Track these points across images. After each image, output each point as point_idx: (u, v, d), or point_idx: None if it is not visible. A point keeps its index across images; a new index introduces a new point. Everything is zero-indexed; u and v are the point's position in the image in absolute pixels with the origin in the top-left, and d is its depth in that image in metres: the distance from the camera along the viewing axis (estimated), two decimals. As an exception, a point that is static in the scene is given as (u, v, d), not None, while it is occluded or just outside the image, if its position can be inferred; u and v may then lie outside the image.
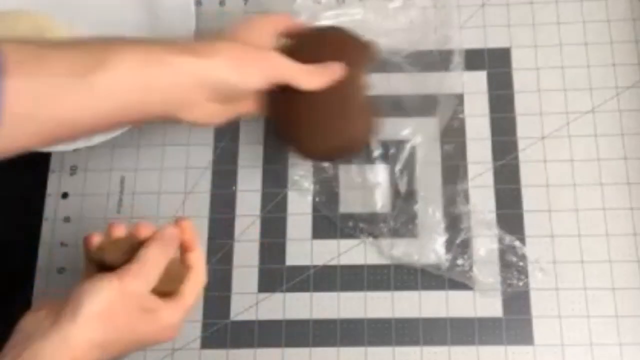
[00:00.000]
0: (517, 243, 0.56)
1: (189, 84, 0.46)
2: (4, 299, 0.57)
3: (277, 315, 0.57)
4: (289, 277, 0.58)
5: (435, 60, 0.62)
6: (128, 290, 0.42)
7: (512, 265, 0.56)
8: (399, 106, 0.61)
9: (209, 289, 0.58)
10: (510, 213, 0.58)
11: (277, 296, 0.57)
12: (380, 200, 0.59)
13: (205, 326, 0.57)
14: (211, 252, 0.59)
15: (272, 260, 0.58)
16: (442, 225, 0.57)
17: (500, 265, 0.56)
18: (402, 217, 0.58)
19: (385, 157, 0.60)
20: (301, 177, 0.60)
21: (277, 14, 0.56)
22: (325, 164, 0.60)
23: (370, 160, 0.60)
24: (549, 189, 0.58)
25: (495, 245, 0.57)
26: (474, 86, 0.61)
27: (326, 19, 0.60)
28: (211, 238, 0.59)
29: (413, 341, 0.55)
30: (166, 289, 0.45)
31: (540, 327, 0.55)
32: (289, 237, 0.59)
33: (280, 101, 0.52)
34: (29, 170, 0.61)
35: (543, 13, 0.64)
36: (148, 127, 0.62)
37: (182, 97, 0.46)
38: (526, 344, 0.55)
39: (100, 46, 0.43)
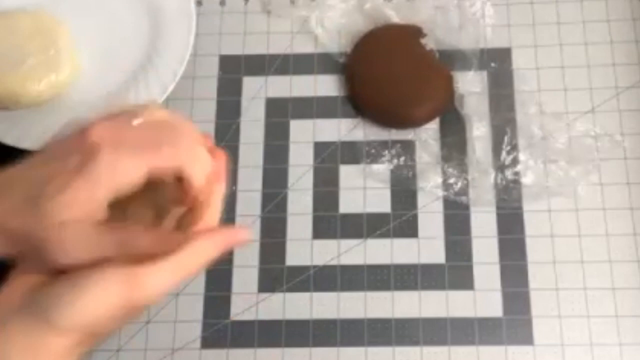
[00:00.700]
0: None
1: None
2: None
3: (277, 315, 0.57)
4: (289, 277, 0.58)
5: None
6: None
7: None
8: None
9: (209, 289, 0.58)
10: (510, 213, 0.58)
11: (277, 296, 0.57)
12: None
13: (205, 326, 0.57)
14: (211, 252, 0.59)
15: (272, 260, 0.58)
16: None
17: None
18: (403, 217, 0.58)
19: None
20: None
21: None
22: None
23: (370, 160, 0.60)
24: (549, 189, 0.58)
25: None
26: (474, 86, 0.62)
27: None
28: (211, 238, 0.59)
29: (413, 341, 0.55)
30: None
31: (540, 327, 0.55)
32: (289, 237, 0.59)
33: (368, 76, 0.61)
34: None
35: (543, 13, 0.64)
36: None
37: None
38: (526, 344, 0.55)
39: None
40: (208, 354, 0.56)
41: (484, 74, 0.62)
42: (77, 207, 0.33)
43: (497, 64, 0.62)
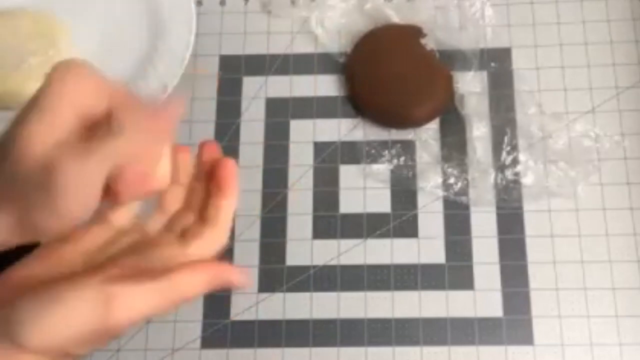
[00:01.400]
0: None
1: None
2: None
3: (277, 315, 0.57)
4: (289, 277, 0.58)
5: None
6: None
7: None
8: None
9: (209, 288, 0.58)
10: (510, 213, 0.58)
11: (277, 296, 0.57)
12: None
13: (205, 326, 0.57)
14: (211, 252, 0.59)
15: (272, 260, 0.58)
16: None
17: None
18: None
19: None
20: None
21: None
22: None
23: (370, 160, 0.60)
24: (549, 189, 0.58)
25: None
26: (474, 86, 0.62)
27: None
28: (211, 238, 0.59)
29: (413, 341, 0.55)
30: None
31: (540, 327, 0.55)
32: (289, 237, 0.59)
33: (368, 76, 0.61)
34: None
35: (543, 13, 0.64)
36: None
37: None
38: (526, 344, 0.55)
39: None
40: (208, 354, 0.56)
41: (484, 74, 0.62)
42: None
43: (497, 64, 0.62)
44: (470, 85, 0.61)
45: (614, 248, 0.57)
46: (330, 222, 0.59)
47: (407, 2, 0.65)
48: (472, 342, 0.55)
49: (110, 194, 0.32)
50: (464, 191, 0.59)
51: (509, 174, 0.59)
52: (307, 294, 0.57)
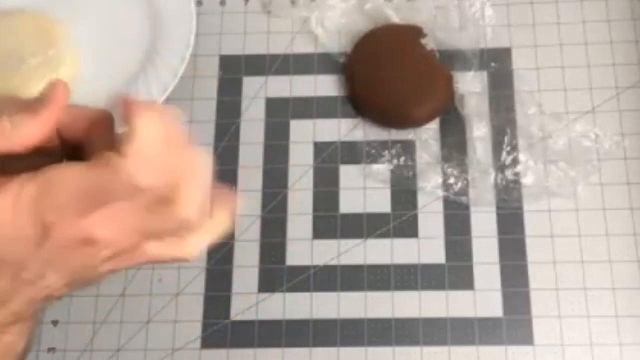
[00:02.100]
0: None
1: None
2: None
3: (277, 315, 0.57)
4: (289, 277, 0.58)
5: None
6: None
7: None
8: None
9: (209, 289, 0.58)
10: (510, 213, 0.58)
11: (277, 296, 0.57)
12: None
13: (205, 326, 0.57)
14: (211, 252, 0.59)
15: (272, 260, 0.58)
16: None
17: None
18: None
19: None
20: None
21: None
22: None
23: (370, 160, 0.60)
24: (549, 189, 0.58)
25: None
26: (474, 86, 0.62)
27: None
28: (211, 238, 0.59)
29: (413, 341, 0.55)
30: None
31: (540, 327, 0.55)
32: (289, 237, 0.59)
33: (368, 76, 0.61)
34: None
35: (543, 13, 0.64)
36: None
37: None
38: (526, 344, 0.55)
39: None
40: (208, 354, 0.56)
41: (484, 74, 0.62)
42: None
43: (497, 64, 0.62)
44: (470, 85, 0.61)
45: (614, 248, 0.57)
46: (330, 222, 0.59)
47: (407, 2, 0.65)
48: (472, 342, 0.55)
49: None
50: (464, 191, 0.59)
51: (509, 174, 0.59)
52: (307, 294, 0.57)
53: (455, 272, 0.57)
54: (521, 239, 0.57)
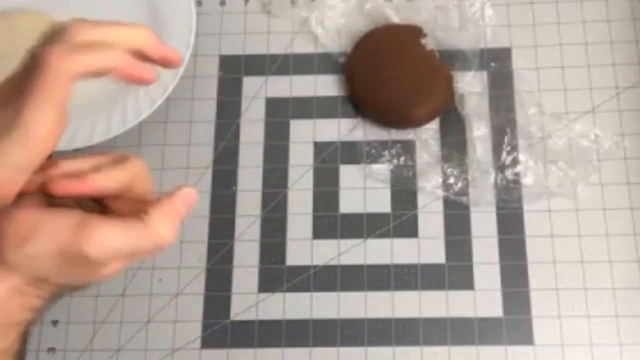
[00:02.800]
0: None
1: None
2: None
3: (277, 315, 0.57)
4: (289, 277, 0.58)
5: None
6: (86, 258, 0.32)
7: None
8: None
9: (209, 289, 0.58)
10: (510, 213, 0.58)
11: (277, 296, 0.57)
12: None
13: (205, 326, 0.57)
14: (211, 252, 0.59)
15: (272, 260, 0.58)
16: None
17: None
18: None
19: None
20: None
21: None
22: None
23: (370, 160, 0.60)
24: (549, 189, 0.58)
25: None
26: (474, 86, 0.61)
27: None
28: (211, 238, 0.59)
29: (413, 341, 0.55)
30: None
31: (540, 327, 0.55)
32: (289, 237, 0.59)
33: (368, 76, 0.61)
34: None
35: (543, 13, 0.64)
36: (148, 126, 0.62)
37: None
38: (526, 344, 0.55)
39: None
40: (208, 354, 0.56)
41: (484, 74, 0.62)
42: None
43: (497, 64, 0.62)
44: (470, 85, 0.61)
45: (614, 248, 0.57)
46: (330, 222, 0.59)
47: (407, 2, 0.65)
48: (472, 342, 0.55)
49: None
50: (464, 191, 0.59)
51: (509, 174, 0.59)
52: (307, 294, 0.57)
53: (455, 272, 0.57)
54: (521, 239, 0.57)
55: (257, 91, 0.64)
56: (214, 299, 0.58)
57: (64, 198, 0.34)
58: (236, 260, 0.59)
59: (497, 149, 0.60)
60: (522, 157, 0.59)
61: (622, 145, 0.59)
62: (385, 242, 0.58)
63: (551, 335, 0.55)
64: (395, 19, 0.64)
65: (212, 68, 0.65)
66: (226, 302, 0.57)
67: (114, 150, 0.36)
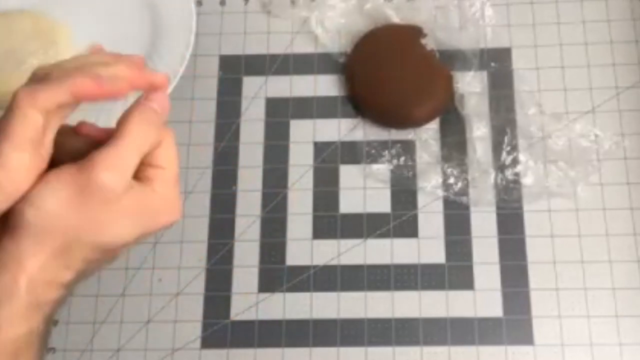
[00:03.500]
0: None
1: None
2: None
3: (277, 315, 0.57)
4: (289, 277, 0.58)
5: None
6: (96, 185, 0.34)
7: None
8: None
9: (209, 289, 0.58)
10: (510, 213, 0.58)
11: (277, 296, 0.57)
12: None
13: (205, 326, 0.57)
14: (211, 252, 0.59)
15: (272, 260, 0.58)
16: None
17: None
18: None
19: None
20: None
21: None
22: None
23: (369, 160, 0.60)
24: (549, 189, 0.58)
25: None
26: (474, 86, 0.61)
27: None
28: (211, 238, 0.59)
29: (413, 341, 0.55)
30: None
31: (540, 327, 0.55)
32: (289, 237, 0.59)
33: (368, 76, 0.61)
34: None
35: (543, 13, 0.64)
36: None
37: None
38: (526, 344, 0.55)
39: None
40: (208, 354, 0.56)
41: (484, 74, 0.62)
42: None
43: (497, 64, 0.62)
44: (470, 85, 0.61)
45: (614, 248, 0.57)
46: (330, 222, 0.59)
47: (407, 2, 0.65)
48: (472, 342, 0.55)
49: None
50: (464, 191, 0.59)
51: (509, 174, 0.59)
52: (307, 294, 0.57)
53: (455, 272, 0.57)
54: (521, 239, 0.57)
55: (257, 91, 0.64)
56: (214, 299, 0.58)
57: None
58: (236, 260, 0.59)
59: (497, 149, 0.60)
60: (522, 157, 0.59)
61: (622, 145, 0.59)
62: (385, 242, 0.58)
63: (551, 335, 0.55)
64: (395, 19, 0.64)
65: (212, 68, 0.65)
66: (226, 302, 0.57)
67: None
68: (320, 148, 0.61)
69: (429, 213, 0.59)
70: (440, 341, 0.55)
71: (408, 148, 0.61)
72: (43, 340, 0.36)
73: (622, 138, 0.59)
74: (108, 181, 0.34)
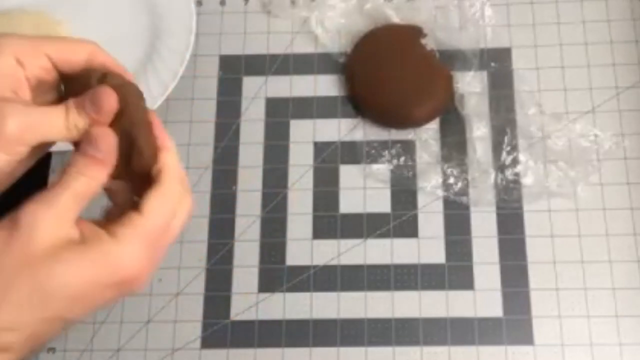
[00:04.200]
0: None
1: None
2: None
3: (277, 315, 0.57)
4: (289, 277, 0.58)
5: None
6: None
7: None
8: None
9: (209, 289, 0.58)
10: (510, 213, 0.58)
11: (277, 296, 0.57)
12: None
13: (205, 326, 0.57)
14: (211, 252, 0.59)
15: (272, 260, 0.58)
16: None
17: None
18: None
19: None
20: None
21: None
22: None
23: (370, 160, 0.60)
24: (549, 189, 0.58)
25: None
26: (474, 86, 0.61)
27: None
28: (211, 238, 0.59)
29: (413, 341, 0.55)
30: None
31: (540, 327, 0.55)
32: (289, 237, 0.59)
33: (368, 76, 0.61)
34: (29, 171, 0.61)
35: (543, 13, 0.64)
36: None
37: None
38: (526, 344, 0.55)
39: None
40: (208, 354, 0.56)
41: (484, 74, 0.62)
42: None
43: (497, 64, 0.62)
44: (470, 85, 0.61)
45: (614, 248, 0.57)
46: (330, 222, 0.59)
47: (407, 2, 0.65)
48: (472, 342, 0.55)
49: None
50: (464, 191, 0.59)
51: (509, 174, 0.59)
52: (307, 294, 0.57)
53: (455, 272, 0.57)
54: (521, 239, 0.57)
55: (257, 91, 0.64)
56: (214, 299, 0.58)
57: None
58: (236, 260, 0.59)
59: (497, 149, 0.60)
60: (522, 157, 0.59)
61: (622, 145, 0.59)
62: (385, 242, 0.58)
63: (551, 335, 0.55)
64: (395, 19, 0.64)
65: (212, 68, 0.65)
66: (226, 302, 0.57)
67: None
68: (320, 148, 0.61)
69: (429, 213, 0.59)
70: (440, 341, 0.55)
71: (408, 148, 0.61)
72: None
73: (622, 138, 0.59)
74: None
